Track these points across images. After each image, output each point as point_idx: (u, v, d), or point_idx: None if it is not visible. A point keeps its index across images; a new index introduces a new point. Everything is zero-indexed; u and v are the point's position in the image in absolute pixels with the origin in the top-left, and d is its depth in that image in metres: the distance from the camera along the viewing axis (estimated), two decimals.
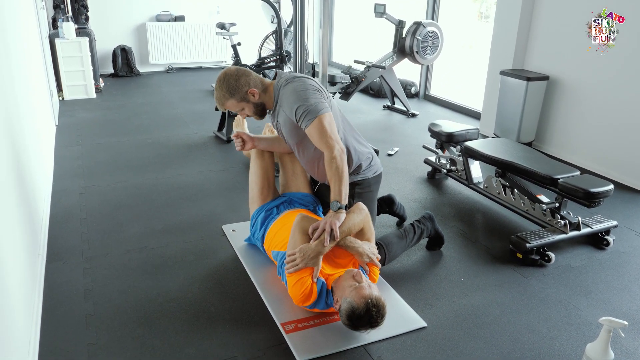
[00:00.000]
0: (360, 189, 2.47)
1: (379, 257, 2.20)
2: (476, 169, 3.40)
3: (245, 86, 2.29)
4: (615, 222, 2.86)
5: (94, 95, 5.69)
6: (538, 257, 2.62)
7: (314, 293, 1.99)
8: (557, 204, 2.79)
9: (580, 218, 2.78)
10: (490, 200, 3.26)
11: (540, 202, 2.87)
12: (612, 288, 2.44)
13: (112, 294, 2.22)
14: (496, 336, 2.07)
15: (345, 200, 2.17)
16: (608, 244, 2.80)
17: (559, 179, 2.69)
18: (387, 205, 2.95)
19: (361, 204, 2.23)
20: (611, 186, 2.63)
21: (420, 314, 2.16)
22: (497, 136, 4.52)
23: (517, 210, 3.02)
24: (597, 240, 2.84)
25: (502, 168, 3.06)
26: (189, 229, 2.83)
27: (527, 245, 2.58)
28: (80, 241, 2.65)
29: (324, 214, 2.55)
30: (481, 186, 3.30)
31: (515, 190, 3.03)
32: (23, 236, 2.16)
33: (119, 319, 2.06)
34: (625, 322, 1.72)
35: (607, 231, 2.84)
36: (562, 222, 2.74)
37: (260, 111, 2.39)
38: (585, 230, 2.76)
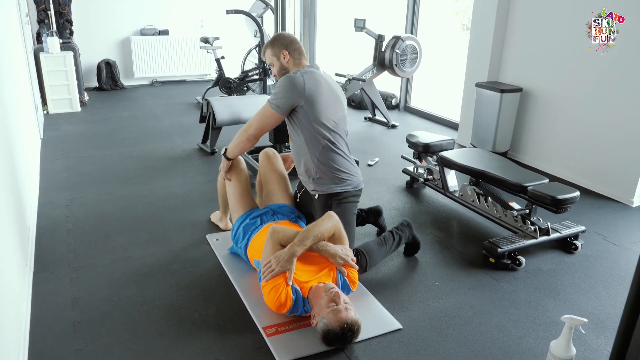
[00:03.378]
0: (338, 200, 2.58)
1: (354, 258, 2.30)
2: (452, 178, 3.53)
3: (284, 47, 2.58)
4: (583, 227, 3.00)
5: (79, 109, 5.74)
6: (509, 262, 2.74)
7: (289, 299, 2.07)
8: (527, 211, 2.92)
9: (549, 224, 2.91)
10: (465, 208, 3.39)
11: (512, 208, 3.00)
12: (579, 290, 2.57)
13: (98, 302, 2.28)
14: (468, 336, 2.18)
15: (228, 154, 2.69)
16: (576, 248, 2.94)
17: (528, 186, 2.83)
18: (374, 216, 3.05)
19: (331, 212, 2.34)
20: (577, 193, 2.77)
21: (396, 316, 2.27)
22: (474, 146, 4.67)
23: (491, 217, 3.15)
24: (566, 245, 2.97)
25: (476, 177, 3.19)
26: (174, 238, 2.91)
27: (499, 250, 2.70)
28: (67, 252, 2.71)
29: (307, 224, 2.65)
30: (457, 194, 3.43)
31: (489, 197, 3.17)
32: (12, 248, 2.22)
33: (106, 325, 2.13)
34: (585, 320, 1.84)
35: (575, 236, 2.98)
36: (532, 227, 2.87)
37: (283, 76, 2.56)
38: (554, 235, 2.90)
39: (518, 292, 2.53)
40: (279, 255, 2.14)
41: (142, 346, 2.02)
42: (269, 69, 6.09)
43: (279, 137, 3.99)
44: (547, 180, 2.92)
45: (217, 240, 2.88)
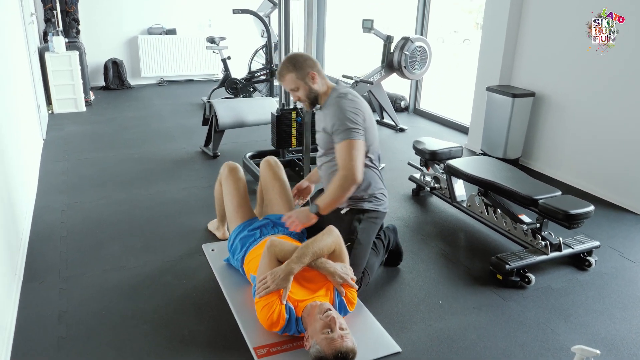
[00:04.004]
0: (367, 217, 2.47)
1: (354, 277, 2.18)
2: (460, 188, 3.40)
3: (310, 68, 2.38)
4: (597, 243, 2.86)
5: (84, 109, 5.69)
6: (518, 279, 2.61)
7: (282, 318, 1.97)
8: (538, 225, 2.79)
9: (561, 239, 2.77)
10: (473, 219, 3.25)
11: (522, 222, 2.86)
12: (592, 311, 2.43)
13: (86, 316, 2.20)
14: None
15: (323, 212, 2.34)
16: (590, 264, 2.80)
17: (539, 199, 2.69)
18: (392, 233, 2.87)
19: (332, 227, 2.23)
20: (591, 207, 2.63)
21: (395, 337, 2.15)
22: (484, 152, 4.53)
23: (499, 229, 3.02)
24: (579, 261, 2.83)
25: (485, 187, 3.06)
26: (169, 247, 2.82)
27: (507, 266, 2.57)
28: (58, 260, 2.63)
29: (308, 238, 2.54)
30: (464, 205, 3.30)
31: (498, 209, 3.03)
32: (1, 256, 2.15)
33: (92, 342, 2.04)
34: (597, 351, 1.71)
35: (589, 252, 2.84)
36: (543, 242, 2.73)
37: (313, 99, 2.43)
38: (566, 251, 2.76)
39: (526, 313, 2.39)
40: (275, 272, 2.04)
41: None
42: (276, 70, 6.02)
43: (282, 142, 3.89)
44: (559, 193, 2.78)
45: (213, 250, 2.78)
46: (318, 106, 2.50)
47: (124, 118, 5.50)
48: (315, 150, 4.19)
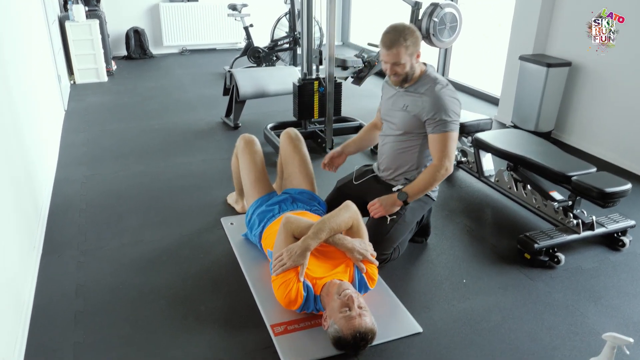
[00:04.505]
0: (419, 200, 2.42)
1: (374, 253, 2.11)
2: (488, 162, 3.26)
3: (419, 46, 2.28)
4: (633, 222, 2.71)
5: (106, 79, 5.67)
6: (547, 259, 2.50)
7: (300, 296, 1.92)
8: (570, 202, 2.65)
9: (594, 217, 2.63)
10: (500, 195, 3.12)
11: (553, 199, 2.73)
12: (624, 294, 2.31)
13: (103, 291, 2.19)
14: (495, 344, 1.97)
15: (411, 199, 2.34)
16: (624, 245, 2.66)
17: (573, 176, 2.55)
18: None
19: (350, 202, 2.15)
20: (629, 185, 2.47)
21: (416, 317, 2.08)
22: (515, 125, 4.34)
23: (529, 206, 2.89)
24: (612, 241, 2.69)
25: (514, 162, 2.92)
26: (187, 220, 2.78)
27: (536, 245, 2.46)
28: (77, 233, 2.63)
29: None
30: (492, 180, 3.16)
31: (528, 185, 2.90)
32: (18, 229, 2.14)
33: (108, 317, 2.03)
34: (631, 340, 1.61)
35: (623, 231, 2.69)
36: (575, 221, 2.60)
37: (405, 77, 2.32)
38: (599, 230, 2.62)
39: (554, 294, 2.29)
40: (292, 248, 1.97)
41: (143, 341, 1.91)
42: (300, 38, 5.85)
43: (305, 113, 3.78)
44: (594, 170, 2.63)
45: (231, 224, 2.74)
46: (406, 85, 2.37)
47: (145, 88, 5.46)
48: (339, 121, 4.12)
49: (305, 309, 1.98)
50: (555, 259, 2.49)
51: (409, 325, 2.04)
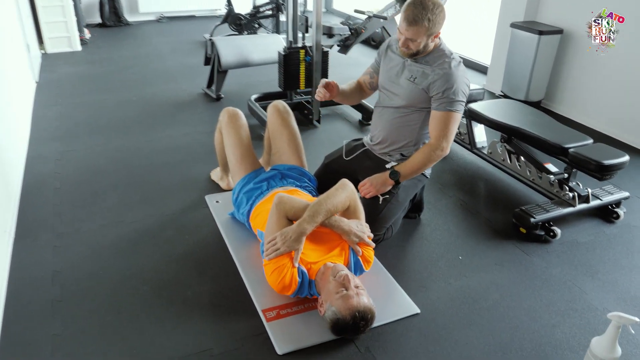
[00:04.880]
0: (412, 177, 2.31)
1: (371, 235, 2.02)
2: (480, 133, 3.17)
3: (440, 26, 2.10)
4: (627, 193, 2.66)
5: (79, 48, 5.38)
6: (543, 233, 2.44)
7: (294, 281, 1.82)
8: (566, 175, 2.58)
9: (590, 190, 2.57)
10: (494, 167, 3.04)
11: (548, 172, 2.66)
12: (620, 267, 2.27)
13: (81, 276, 2.06)
14: (494, 324, 1.92)
15: (403, 179, 2.24)
16: (618, 217, 2.62)
17: (570, 148, 2.47)
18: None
19: (346, 181, 2.04)
20: (626, 157, 2.41)
21: (413, 298, 2.01)
22: (504, 94, 4.25)
23: (522, 179, 2.81)
24: (607, 213, 2.65)
25: (508, 133, 2.83)
26: (170, 199, 2.65)
27: (532, 220, 2.39)
28: (52, 214, 2.48)
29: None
30: (485, 152, 3.08)
31: (521, 157, 2.82)
32: None
33: (88, 305, 1.91)
34: (637, 319, 1.55)
35: (617, 203, 2.65)
36: (571, 194, 2.53)
37: (417, 52, 2.16)
38: (594, 203, 2.57)
39: (551, 270, 2.24)
40: (286, 232, 1.86)
41: (126, 330, 1.80)
42: (283, 4, 5.62)
43: (290, 83, 3.62)
44: (591, 141, 2.56)
45: (217, 202, 2.61)
46: (415, 58, 2.21)
47: (121, 57, 5.20)
48: None
49: (299, 294, 1.89)
50: (551, 233, 2.43)
51: (406, 306, 1.97)
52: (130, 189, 2.73)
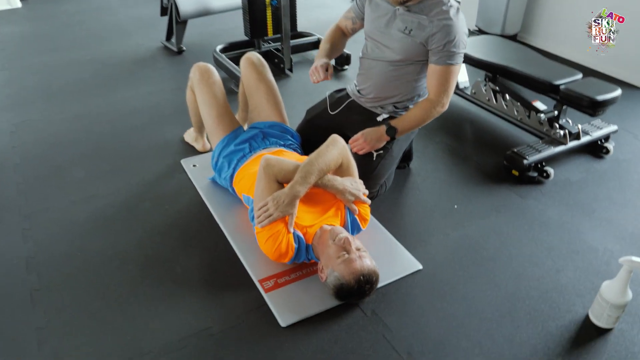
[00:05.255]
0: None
1: (366, 191, 1.91)
2: (462, 73, 3.04)
3: None
4: (615, 127, 2.62)
5: (19, 5, 4.89)
6: (536, 174, 2.39)
7: (291, 248, 1.71)
8: (556, 112, 2.51)
9: (580, 126, 2.52)
10: (478, 108, 2.94)
11: (537, 110, 2.58)
12: (614, 204, 2.26)
13: (58, 261, 1.89)
14: (497, 274, 1.87)
15: (399, 135, 2.11)
16: (608, 151, 2.58)
17: (560, 85, 2.38)
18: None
19: (336, 137, 1.89)
20: (619, 91, 2.35)
21: (413, 253, 1.93)
22: (480, 29, 4.10)
23: (510, 119, 2.73)
24: (596, 149, 2.61)
25: (493, 72, 2.72)
26: (142, 166, 2.46)
27: (525, 161, 2.33)
28: (16, 194, 2.26)
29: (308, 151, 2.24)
30: (468, 92, 2.97)
31: (507, 96, 2.72)
32: None
33: (69, 292, 1.76)
34: None
35: (606, 137, 2.61)
36: (562, 132, 2.47)
37: None
38: (585, 139, 2.52)
39: (548, 212, 2.20)
40: (278, 197, 1.72)
41: (116, 317, 1.67)
42: None
43: (257, 31, 3.37)
44: (580, 76, 2.47)
45: (194, 166, 2.44)
46: (406, 5, 1.97)
47: (67, 13, 4.76)
48: (296, 37, 3.72)
49: (296, 260, 1.79)
50: (545, 174, 2.38)
51: (408, 263, 1.90)
52: (97, 159, 2.52)
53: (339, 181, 1.84)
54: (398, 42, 2.01)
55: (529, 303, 1.75)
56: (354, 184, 1.87)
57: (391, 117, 2.17)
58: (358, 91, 2.26)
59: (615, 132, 2.62)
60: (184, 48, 3.82)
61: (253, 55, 2.31)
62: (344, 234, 1.71)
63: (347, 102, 2.30)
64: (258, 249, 1.81)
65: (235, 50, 3.52)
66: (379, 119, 2.19)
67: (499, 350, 1.58)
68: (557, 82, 2.39)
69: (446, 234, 2.07)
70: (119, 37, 4.15)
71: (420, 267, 1.88)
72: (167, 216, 2.14)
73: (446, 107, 2.07)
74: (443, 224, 2.12)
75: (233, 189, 2.12)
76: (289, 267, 1.84)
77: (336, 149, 1.85)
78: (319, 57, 2.19)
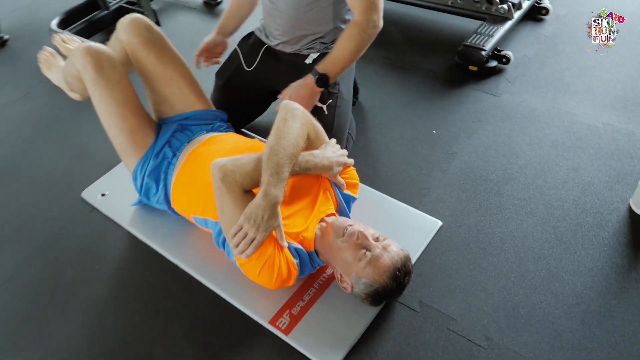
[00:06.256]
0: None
1: (345, 151, 1.49)
2: None
3: None
4: None
5: None
6: (495, 63, 2.10)
7: (293, 266, 1.30)
8: None
9: None
10: (398, 4, 2.51)
11: None
12: (583, 70, 2.11)
13: None
14: (521, 197, 1.65)
15: (333, 80, 1.62)
16: (547, 11, 2.36)
17: None
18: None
19: (289, 103, 1.41)
20: None
21: (422, 208, 1.61)
22: None
23: (439, 6, 2.37)
24: (535, 12, 2.37)
25: None
26: (29, 218, 1.77)
27: (483, 52, 2.03)
28: None
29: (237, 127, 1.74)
30: None
31: None
32: None
33: None
34: None
35: None
36: (505, 6, 2.17)
37: None
38: (526, 5, 2.25)
39: (528, 102, 1.96)
40: (253, 214, 1.24)
41: None
42: None
43: None
44: None
45: (103, 195, 1.81)
46: None
47: None
48: None
49: (302, 275, 1.38)
50: (504, 59, 2.11)
51: (425, 223, 1.58)
52: None
53: (319, 157, 1.40)
54: None
55: (569, 220, 1.53)
56: (336, 151, 1.44)
57: (323, 55, 1.70)
58: (267, 36, 1.75)
59: None
60: (6, 37, 2.89)
61: (142, 20, 1.64)
62: (352, 225, 1.32)
63: (262, 50, 1.79)
64: (248, 281, 1.36)
65: (77, 21, 2.69)
66: (308, 61, 1.72)
67: (575, 290, 1.35)
68: None
69: (443, 169, 1.75)
70: None
71: (440, 223, 1.56)
72: (105, 282, 1.57)
73: (380, 25, 1.58)
74: (433, 159, 1.80)
75: (173, 210, 1.60)
76: (295, 286, 1.43)
77: (295, 119, 1.37)
78: (217, 28, 1.81)
